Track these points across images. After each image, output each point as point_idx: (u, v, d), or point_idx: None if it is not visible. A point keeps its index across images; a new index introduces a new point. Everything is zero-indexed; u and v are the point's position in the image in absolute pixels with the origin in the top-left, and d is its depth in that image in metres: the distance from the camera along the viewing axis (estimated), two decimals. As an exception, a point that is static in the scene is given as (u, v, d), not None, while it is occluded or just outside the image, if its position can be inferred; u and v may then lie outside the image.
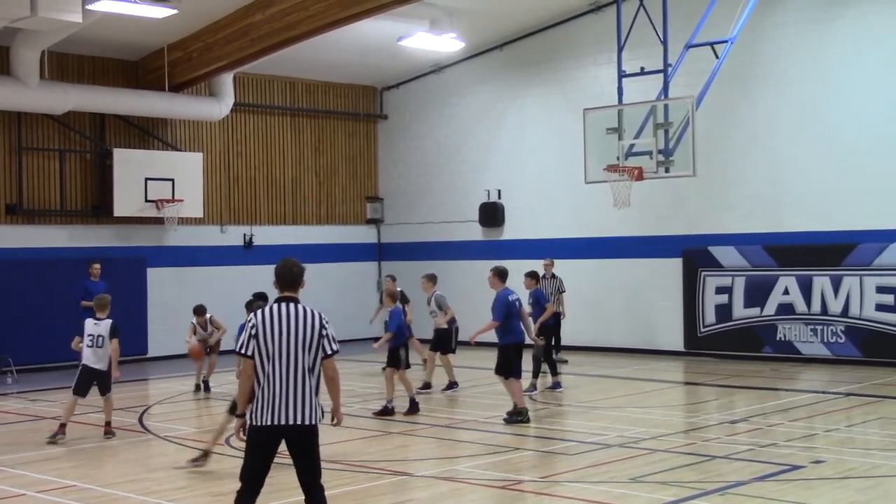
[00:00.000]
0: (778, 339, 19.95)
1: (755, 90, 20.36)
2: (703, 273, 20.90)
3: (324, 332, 7.16)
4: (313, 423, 7.09)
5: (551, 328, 17.32)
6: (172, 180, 22.02)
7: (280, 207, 25.03)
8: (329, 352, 7.19)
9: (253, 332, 7.12)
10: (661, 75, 17.64)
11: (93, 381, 13.12)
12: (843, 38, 19.47)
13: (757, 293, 20.17)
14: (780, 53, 20.10)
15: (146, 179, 21.65)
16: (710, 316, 20.79)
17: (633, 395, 16.41)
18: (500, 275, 13.99)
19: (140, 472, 11.13)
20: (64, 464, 11.68)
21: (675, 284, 21.34)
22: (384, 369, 15.23)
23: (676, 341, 21.31)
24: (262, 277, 23.97)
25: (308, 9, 18.67)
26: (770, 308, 20.04)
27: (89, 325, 13.06)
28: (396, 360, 14.68)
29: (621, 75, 18.05)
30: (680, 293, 21.27)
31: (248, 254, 24.30)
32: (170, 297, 22.21)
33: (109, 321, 13.05)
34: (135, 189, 21.51)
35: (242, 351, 7.13)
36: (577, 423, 14.10)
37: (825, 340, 19.41)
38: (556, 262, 20.74)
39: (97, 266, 19.89)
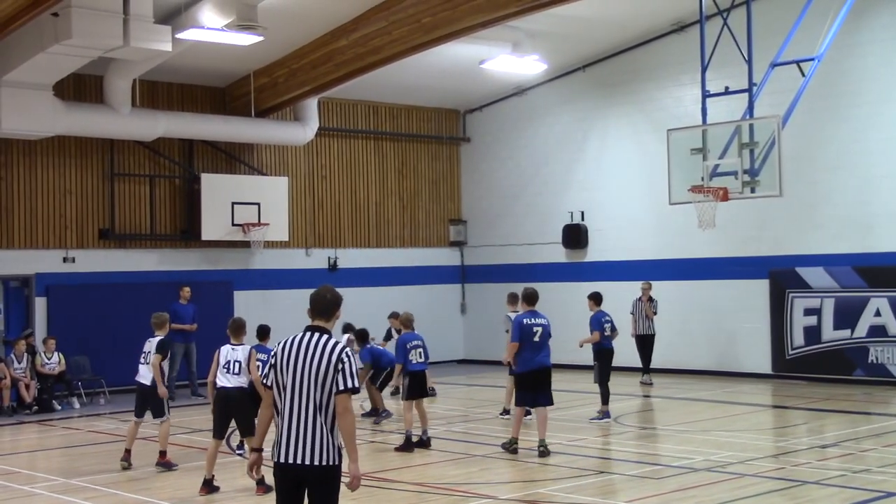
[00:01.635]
0: (870, 361, 19.50)
1: (843, 109, 20.00)
2: (790, 294, 20.54)
3: (340, 367, 6.49)
4: (325, 464, 6.43)
5: (604, 354, 16.18)
6: (258, 204, 22.33)
7: (364, 231, 25.23)
8: (341, 387, 6.47)
9: (272, 361, 6.65)
10: (746, 94, 17.43)
11: (145, 401, 12.78)
12: (935, 55, 19.06)
13: (847, 315, 19.74)
14: (867, 71, 19.73)
15: (233, 204, 21.98)
16: (799, 338, 20.40)
17: (720, 419, 16.17)
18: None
19: (227, 492, 11.23)
20: (153, 484, 11.87)
21: (762, 306, 20.99)
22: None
23: (764, 364, 20.94)
24: (347, 300, 24.27)
25: (391, 33, 18.86)
26: (861, 330, 19.60)
27: (147, 344, 12.83)
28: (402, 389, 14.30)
29: (705, 95, 17.86)
30: (767, 315, 20.92)
31: (332, 277, 24.49)
32: (256, 319, 22.36)
33: (158, 338, 12.72)
34: (222, 213, 21.86)
35: (263, 381, 6.71)
36: (663, 447, 13.93)
37: (919, 363, 18.93)
38: (640, 284, 20.63)
39: (187, 289, 20.25)
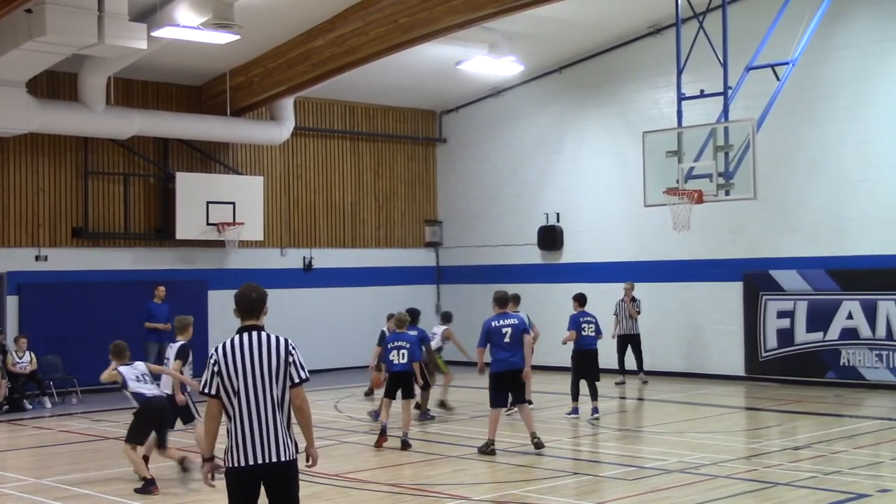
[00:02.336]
0: (842, 364, 19.63)
1: (817, 113, 20.13)
2: (764, 297, 20.65)
3: (290, 360, 6.54)
4: (286, 459, 6.49)
5: (582, 355, 16.32)
6: (233, 204, 22.26)
7: (339, 231, 25.19)
8: (297, 380, 6.54)
9: (215, 368, 6.53)
10: (721, 98, 17.49)
11: (174, 411, 12.36)
12: (908, 60, 19.22)
13: (820, 318, 19.87)
14: (841, 75, 19.87)
15: (208, 203, 21.91)
16: (772, 340, 20.52)
17: (693, 420, 16.24)
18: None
19: (203, 492, 11.19)
20: (126, 484, 11.79)
21: (736, 308, 21.10)
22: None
23: (737, 366, 21.05)
24: (322, 300, 24.32)
25: (368, 34, 18.83)
26: (833, 333, 19.73)
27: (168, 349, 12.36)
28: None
29: (681, 98, 17.93)
30: (741, 317, 21.02)
31: (307, 277, 24.48)
32: (231, 319, 22.33)
33: (179, 343, 12.32)
34: (197, 212, 21.78)
35: (206, 390, 6.56)
36: (637, 448, 13.98)
37: (891, 366, 19.06)
38: (615, 285, 20.74)
39: (162, 288, 20.16)
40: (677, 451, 13.12)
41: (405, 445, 13.58)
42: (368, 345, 24.29)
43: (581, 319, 16.33)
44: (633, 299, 20.85)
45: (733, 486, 11.01)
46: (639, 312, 20.87)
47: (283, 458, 6.47)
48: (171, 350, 12.36)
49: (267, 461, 6.44)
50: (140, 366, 11.99)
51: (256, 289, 6.73)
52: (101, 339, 20.49)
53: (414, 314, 15.80)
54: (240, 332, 6.63)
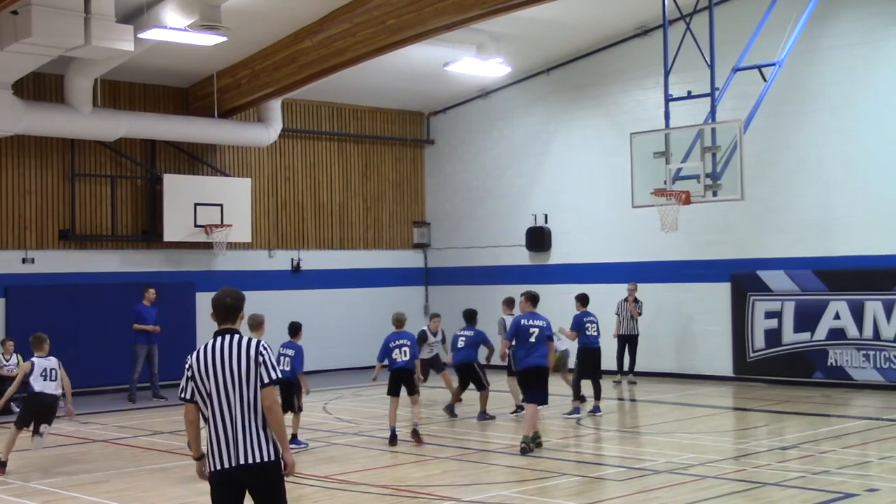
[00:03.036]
0: (829, 364, 19.69)
1: (804, 113, 20.20)
2: (752, 298, 20.70)
3: (260, 360, 6.53)
4: (267, 459, 6.47)
5: (587, 354, 16.63)
6: (221, 205, 22.22)
7: (327, 232, 25.17)
8: (265, 380, 6.51)
9: (189, 373, 6.62)
10: (709, 99, 17.56)
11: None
12: (893, 61, 19.28)
13: (807, 318, 19.93)
14: (828, 76, 19.93)
15: (195, 205, 21.86)
16: (760, 341, 20.57)
17: (681, 421, 16.27)
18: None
19: (190, 495, 11.18)
20: (115, 487, 11.77)
21: (724, 309, 21.15)
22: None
23: (725, 366, 21.10)
24: (310, 302, 24.28)
25: (355, 35, 18.82)
26: (821, 333, 19.79)
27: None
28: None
29: (668, 99, 17.99)
30: (729, 318, 21.07)
31: (295, 278, 24.44)
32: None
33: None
34: (184, 214, 21.73)
35: (182, 395, 6.65)
36: (625, 449, 14.00)
37: (878, 366, 19.14)
38: (603, 286, 20.82)
39: (152, 291, 20.09)
40: (666, 452, 13.15)
41: (416, 435, 14.05)
42: (357, 346, 24.42)
43: (584, 319, 16.71)
44: (636, 300, 21.02)
45: (722, 486, 11.04)
46: (640, 314, 21.02)
47: (259, 460, 6.45)
48: None
49: (243, 463, 6.44)
50: (52, 361, 13.02)
51: (231, 293, 6.75)
52: (89, 341, 20.63)
53: (470, 314, 16.95)
54: (214, 336, 6.68)
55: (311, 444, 14.11)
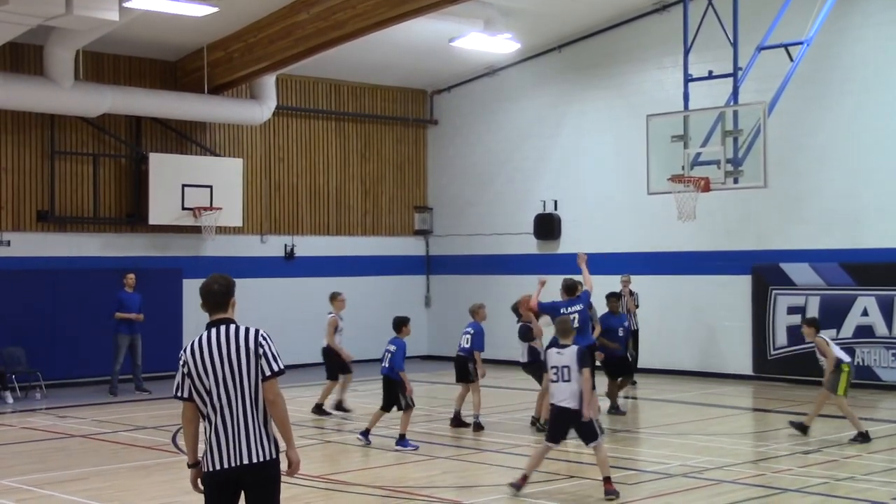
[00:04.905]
0: (856, 363, 19.62)
1: (832, 96, 20.13)
2: (774, 291, 20.67)
3: (260, 352, 6.42)
4: (264, 459, 6.39)
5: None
6: (211, 187, 22.19)
7: (323, 217, 25.14)
8: (267, 373, 6.40)
9: (185, 370, 6.48)
10: (731, 79, 17.50)
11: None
12: (929, 41, 19.23)
13: (833, 314, 19.89)
14: (858, 57, 19.86)
15: (183, 186, 21.82)
16: (782, 338, 20.54)
17: (697, 422, 16.25)
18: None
19: (173, 494, 11.17)
20: (93, 485, 11.76)
21: (744, 303, 21.11)
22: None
23: (744, 364, 21.07)
24: (304, 291, 24.27)
25: (355, 7, 18.74)
26: (847, 330, 19.76)
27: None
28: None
29: (687, 79, 17.93)
30: (749, 313, 21.04)
31: (289, 266, 24.43)
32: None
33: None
34: (171, 196, 21.69)
35: (178, 394, 6.52)
36: (636, 451, 13.99)
37: (907, 366, 19.13)
38: (616, 277, 20.71)
39: (132, 276, 20.06)
40: (680, 454, 13.14)
41: (478, 427, 14.82)
42: (353, 338, 24.35)
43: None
44: (631, 293, 20.73)
45: (739, 491, 11.02)
46: (637, 306, 20.83)
47: (259, 459, 6.37)
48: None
49: (243, 463, 6.37)
50: None
51: (219, 279, 6.63)
52: (68, 330, 20.63)
53: (614, 298, 17.27)
54: (208, 327, 6.56)
55: (304, 441, 14.08)
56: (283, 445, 6.57)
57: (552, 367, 10.95)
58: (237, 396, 6.40)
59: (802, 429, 14.56)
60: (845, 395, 14.30)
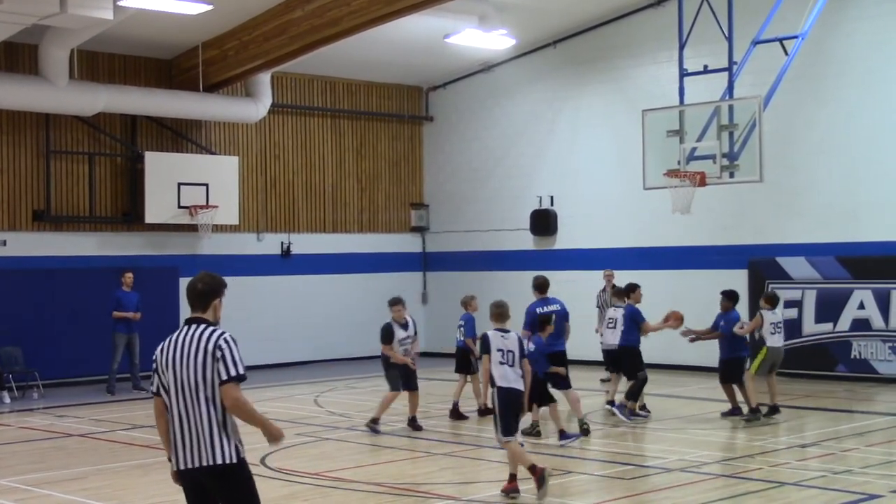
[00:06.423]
0: (853, 357, 19.67)
1: (827, 90, 20.13)
2: (770, 285, 20.65)
3: (218, 354, 6.28)
4: (221, 462, 6.29)
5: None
6: (206, 185, 22.18)
7: (319, 214, 25.13)
8: (223, 377, 6.25)
9: (154, 365, 6.50)
10: (726, 74, 17.50)
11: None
12: (924, 34, 19.23)
13: (829, 308, 19.90)
14: (854, 50, 19.86)
15: (179, 184, 21.82)
16: (779, 332, 20.51)
17: (695, 416, 16.25)
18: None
19: (171, 492, 11.15)
20: (91, 484, 11.76)
21: (741, 297, 21.05)
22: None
23: (742, 359, 21.03)
24: (301, 288, 24.28)
25: (350, 4, 18.74)
26: (844, 324, 19.77)
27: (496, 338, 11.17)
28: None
29: (683, 74, 17.92)
30: (745, 306, 21.01)
31: (285, 263, 24.42)
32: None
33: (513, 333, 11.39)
34: (167, 194, 21.68)
35: (151, 388, 6.59)
36: (635, 445, 14.01)
37: (904, 359, 19.15)
38: (617, 273, 20.68)
39: (129, 275, 20.04)
40: (678, 449, 13.14)
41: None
42: (349, 335, 24.44)
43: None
44: (614, 287, 19.56)
45: (737, 485, 11.02)
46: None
47: (214, 462, 6.31)
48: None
49: (200, 465, 6.33)
50: None
51: (206, 279, 6.60)
52: (65, 329, 20.61)
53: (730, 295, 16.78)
54: (183, 324, 6.55)
55: (301, 439, 14.08)
56: (254, 445, 6.53)
57: (498, 350, 10.76)
58: (193, 397, 6.34)
59: (754, 412, 15.28)
60: (754, 374, 15.67)
